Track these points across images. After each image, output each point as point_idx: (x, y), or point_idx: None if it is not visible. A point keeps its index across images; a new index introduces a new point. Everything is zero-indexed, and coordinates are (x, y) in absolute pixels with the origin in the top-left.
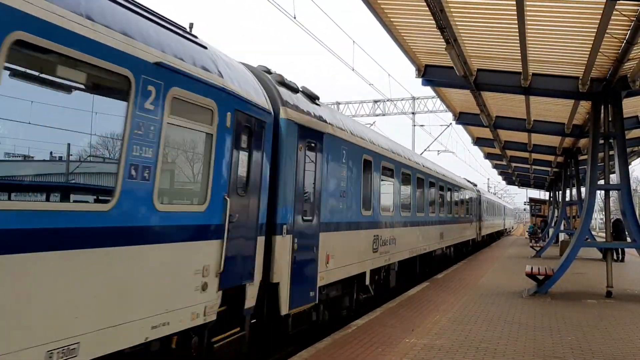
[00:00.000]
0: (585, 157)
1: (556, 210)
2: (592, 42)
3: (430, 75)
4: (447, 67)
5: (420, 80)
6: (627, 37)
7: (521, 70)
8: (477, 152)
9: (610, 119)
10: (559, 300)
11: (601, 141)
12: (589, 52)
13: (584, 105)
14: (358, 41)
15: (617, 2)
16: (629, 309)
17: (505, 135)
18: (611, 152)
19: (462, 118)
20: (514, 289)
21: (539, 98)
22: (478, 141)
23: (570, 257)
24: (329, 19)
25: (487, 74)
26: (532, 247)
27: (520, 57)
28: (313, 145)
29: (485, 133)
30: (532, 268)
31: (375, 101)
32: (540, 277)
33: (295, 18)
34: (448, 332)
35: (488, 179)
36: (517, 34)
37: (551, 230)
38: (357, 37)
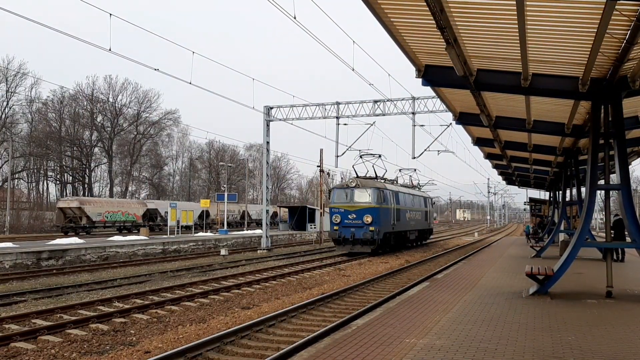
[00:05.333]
0: (585, 157)
1: (556, 211)
2: (592, 42)
3: (430, 75)
4: (447, 67)
5: (420, 80)
6: (627, 37)
7: (521, 70)
8: (477, 152)
9: (610, 119)
10: (559, 300)
11: (601, 141)
12: (589, 52)
13: (584, 105)
14: (358, 41)
15: (617, 2)
16: (629, 309)
17: (506, 135)
18: (611, 152)
19: (462, 118)
20: (514, 288)
21: (539, 98)
22: (478, 141)
23: (570, 257)
24: (329, 19)
25: (487, 74)
26: (532, 247)
27: (520, 57)
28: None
29: (486, 133)
30: (532, 268)
31: (375, 101)
32: (540, 277)
33: (295, 18)
34: (448, 332)
35: (488, 179)
36: (517, 34)
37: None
38: (357, 37)
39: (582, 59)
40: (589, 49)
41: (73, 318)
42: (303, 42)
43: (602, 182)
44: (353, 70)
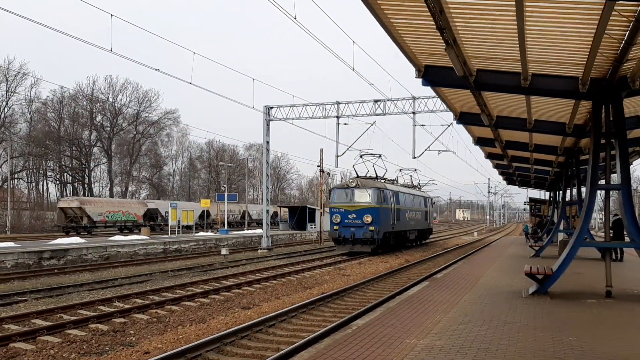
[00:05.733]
0: (586, 157)
1: (556, 211)
2: (591, 42)
3: (430, 75)
4: (447, 68)
5: (420, 80)
6: (625, 37)
7: (521, 71)
8: (478, 152)
9: (611, 119)
10: (558, 300)
11: (602, 141)
12: (588, 53)
13: (585, 105)
14: (358, 41)
15: (616, 2)
16: (629, 309)
17: (506, 135)
18: (612, 152)
19: (463, 118)
20: (514, 288)
21: (540, 98)
22: (479, 141)
23: (569, 257)
24: (329, 18)
25: (487, 74)
26: (531, 246)
27: (519, 58)
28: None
29: (486, 133)
30: (531, 267)
31: (376, 101)
32: (540, 277)
33: (295, 18)
34: (448, 332)
35: (489, 178)
36: (517, 35)
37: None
38: (357, 37)
39: (582, 59)
40: (588, 50)
41: (73, 318)
42: (303, 42)
43: (602, 181)
44: (353, 70)
